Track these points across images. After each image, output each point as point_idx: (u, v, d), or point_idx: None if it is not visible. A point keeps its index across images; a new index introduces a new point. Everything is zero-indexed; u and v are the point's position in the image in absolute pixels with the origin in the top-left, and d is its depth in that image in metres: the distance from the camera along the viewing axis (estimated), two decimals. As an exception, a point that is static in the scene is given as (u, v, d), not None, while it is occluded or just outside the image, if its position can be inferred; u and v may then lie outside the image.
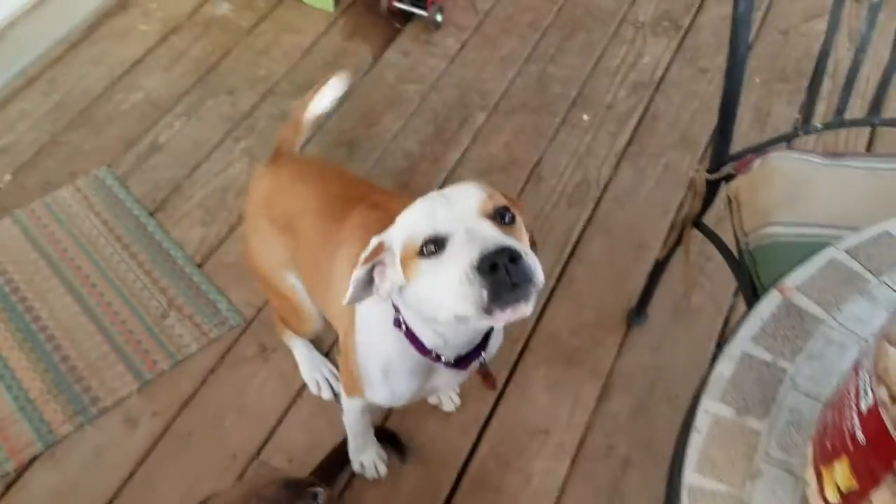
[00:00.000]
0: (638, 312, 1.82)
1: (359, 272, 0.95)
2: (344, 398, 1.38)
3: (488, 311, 0.83)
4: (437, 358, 1.06)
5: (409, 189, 2.07)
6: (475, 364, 1.12)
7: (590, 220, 2.04)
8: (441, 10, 2.45)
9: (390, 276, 0.94)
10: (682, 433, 0.69)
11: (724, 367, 0.73)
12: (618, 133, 2.23)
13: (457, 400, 1.67)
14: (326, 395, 1.69)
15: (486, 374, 1.16)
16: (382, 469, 1.58)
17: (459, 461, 1.61)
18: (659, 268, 1.70)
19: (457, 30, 2.49)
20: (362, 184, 1.44)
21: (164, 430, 1.65)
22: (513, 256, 0.80)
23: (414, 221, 0.90)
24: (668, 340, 1.81)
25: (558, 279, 1.92)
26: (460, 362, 1.08)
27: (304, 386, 1.71)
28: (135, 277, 1.84)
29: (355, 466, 1.58)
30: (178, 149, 2.13)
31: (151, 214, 1.97)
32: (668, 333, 1.82)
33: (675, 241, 1.54)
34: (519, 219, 0.92)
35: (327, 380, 1.69)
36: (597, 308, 1.86)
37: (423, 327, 1.02)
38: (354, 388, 1.25)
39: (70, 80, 2.29)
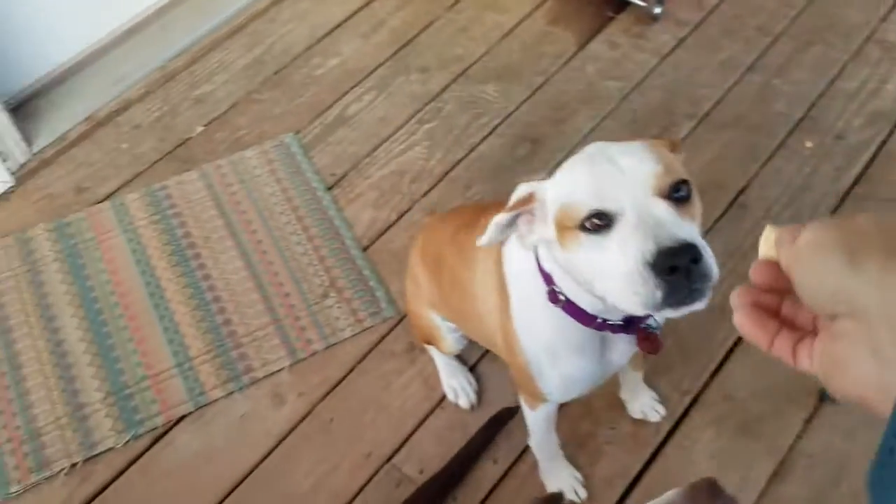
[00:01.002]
0: (834, 386, 1.57)
1: (502, 217, 0.91)
2: (528, 413, 1.34)
3: (658, 309, 0.79)
4: (605, 323, 0.99)
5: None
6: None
7: (793, 265, 1.79)
8: (662, 1, 2.23)
9: (539, 231, 0.91)
10: None
11: None
12: (845, 168, 1.94)
13: (661, 410, 1.56)
14: (464, 402, 1.61)
15: (647, 336, 1.05)
16: (582, 492, 1.48)
17: (617, 494, 1.48)
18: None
19: (675, 25, 2.26)
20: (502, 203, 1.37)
21: (308, 413, 1.64)
22: (695, 256, 0.76)
23: (576, 185, 0.85)
24: (864, 425, 1.55)
25: (745, 328, 1.70)
26: (630, 325, 1.01)
27: (446, 396, 1.63)
28: (304, 251, 1.83)
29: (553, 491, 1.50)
30: (363, 124, 2.09)
31: (328, 189, 1.95)
32: (867, 417, 1.55)
33: None
34: (694, 193, 0.85)
35: (465, 388, 1.62)
36: (786, 373, 1.60)
37: (580, 292, 0.96)
38: (529, 386, 1.18)
39: (272, 35, 2.31)
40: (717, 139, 2.02)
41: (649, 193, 0.81)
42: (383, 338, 1.72)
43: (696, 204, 0.85)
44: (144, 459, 1.59)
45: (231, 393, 1.65)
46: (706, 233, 1.84)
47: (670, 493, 0.68)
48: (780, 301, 0.51)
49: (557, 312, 1.00)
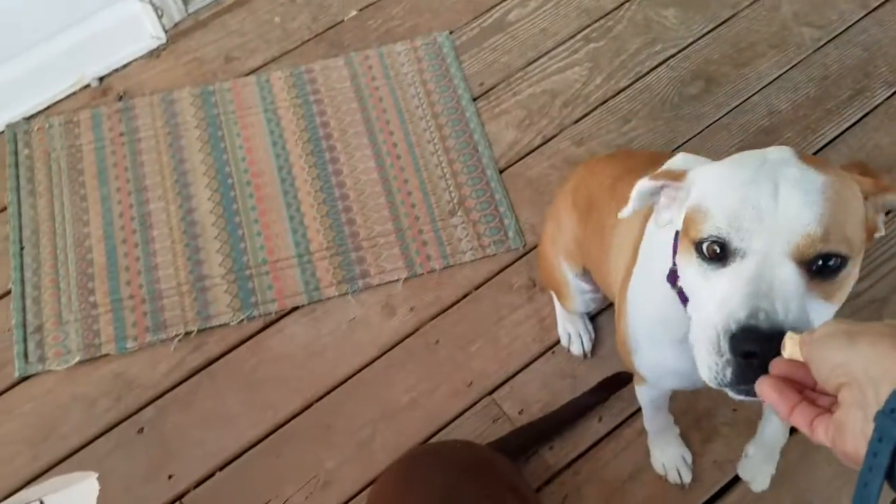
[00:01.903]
0: None
1: (645, 184, 0.81)
2: (636, 384, 1.26)
3: (726, 387, 0.70)
4: None
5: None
6: None
7: (970, 279, 1.58)
8: (885, -57, 1.92)
9: (674, 213, 0.80)
10: None
11: None
12: None
13: (764, 483, 1.39)
14: (576, 349, 1.54)
15: None
16: (686, 476, 1.41)
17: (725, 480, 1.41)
18: None
19: (894, -27, 1.96)
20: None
21: (416, 329, 1.61)
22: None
23: (721, 193, 0.72)
24: None
25: None
26: None
27: (559, 340, 1.56)
28: (437, 162, 1.76)
29: (656, 467, 1.43)
30: (523, 33, 1.94)
31: (474, 100, 1.84)
32: None
33: None
34: (848, 271, 0.70)
35: (580, 335, 1.54)
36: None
37: None
38: (626, 359, 1.10)
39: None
40: (917, 114, 1.77)
41: (786, 250, 0.67)
42: (504, 269, 1.65)
43: (844, 285, 0.70)
44: (254, 341, 1.62)
45: (345, 294, 1.64)
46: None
47: None
48: (800, 388, 0.59)
49: (672, 296, 0.87)
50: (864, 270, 1.60)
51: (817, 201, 0.68)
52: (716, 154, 1.75)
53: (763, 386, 0.60)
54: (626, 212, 0.85)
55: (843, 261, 0.68)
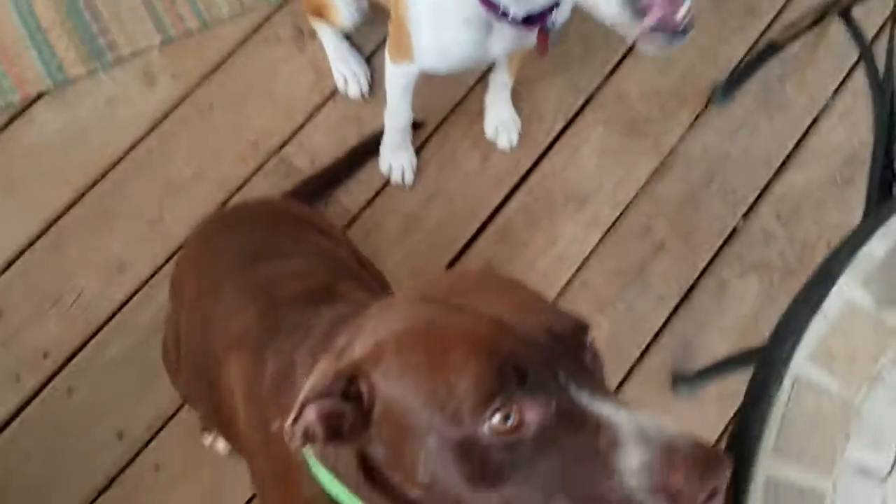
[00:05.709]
0: (724, 90, 1.60)
1: None
2: (388, 70, 1.25)
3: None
4: (502, 14, 0.89)
5: None
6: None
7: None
8: None
9: None
10: (804, 313, 0.56)
11: (878, 246, 0.58)
12: None
13: (514, 138, 1.52)
14: (354, 91, 1.51)
15: (544, 37, 1.00)
16: (409, 177, 1.47)
17: (488, 210, 1.50)
18: (770, 51, 1.44)
19: None
20: None
21: (184, 97, 1.51)
22: None
23: None
24: (745, 128, 1.60)
25: (646, 30, 1.66)
26: (530, 19, 0.91)
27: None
28: None
29: (383, 167, 1.47)
30: None
31: None
32: (749, 121, 1.61)
33: (807, 27, 1.28)
34: None
35: (356, 75, 1.51)
36: (679, 74, 1.63)
37: None
38: (401, 44, 1.09)
39: None
40: None
41: None
42: (267, 19, 1.56)
43: None
44: (2, 137, 1.45)
45: (94, 71, 1.48)
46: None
47: None
48: None
49: None
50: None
51: None
52: None
53: None
54: None
55: None
